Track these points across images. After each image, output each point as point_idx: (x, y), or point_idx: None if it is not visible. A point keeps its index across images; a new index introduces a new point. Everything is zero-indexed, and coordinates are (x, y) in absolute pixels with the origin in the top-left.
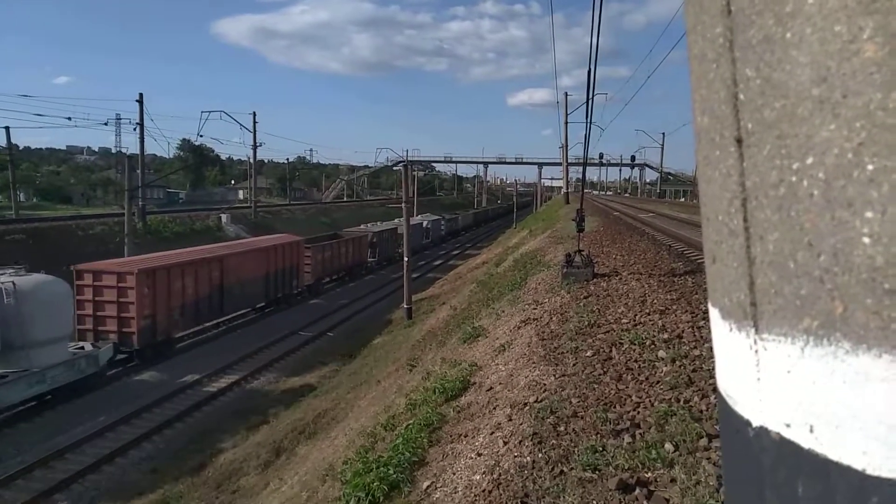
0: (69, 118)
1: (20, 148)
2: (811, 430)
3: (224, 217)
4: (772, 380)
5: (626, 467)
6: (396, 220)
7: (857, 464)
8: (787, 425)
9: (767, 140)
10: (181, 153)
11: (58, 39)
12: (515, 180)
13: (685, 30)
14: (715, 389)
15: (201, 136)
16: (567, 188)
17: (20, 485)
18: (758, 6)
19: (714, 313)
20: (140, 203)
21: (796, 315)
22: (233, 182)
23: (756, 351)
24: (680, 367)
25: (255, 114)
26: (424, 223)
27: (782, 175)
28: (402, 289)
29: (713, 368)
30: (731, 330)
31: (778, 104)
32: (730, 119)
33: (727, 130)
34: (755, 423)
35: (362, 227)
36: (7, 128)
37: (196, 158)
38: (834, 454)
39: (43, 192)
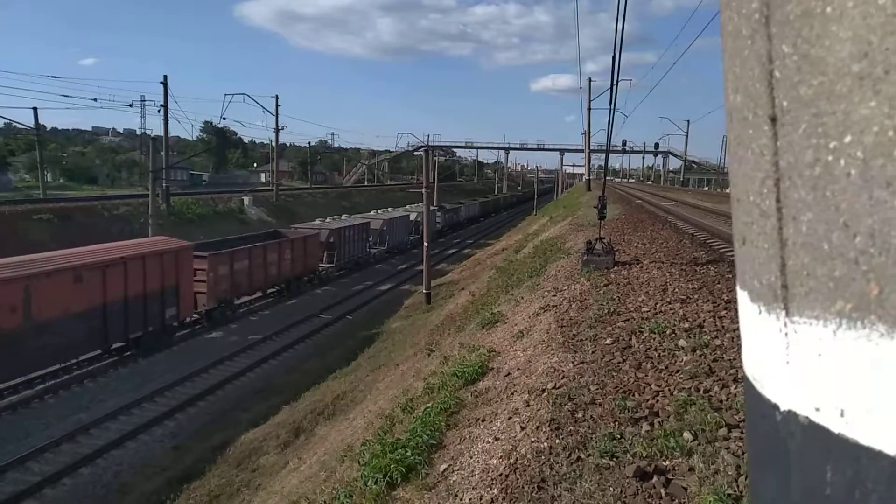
0: (95, 99)
1: (47, 128)
2: (842, 415)
3: (246, 200)
4: (802, 363)
5: (643, 455)
6: (373, 212)
7: (889, 449)
8: (817, 409)
9: (803, 118)
10: (204, 136)
11: (85, 20)
12: (537, 167)
13: (719, 6)
14: (736, 379)
15: (224, 118)
16: (589, 175)
17: None
18: None
19: (742, 296)
20: (164, 184)
21: (829, 297)
22: (255, 165)
23: (786, 334)
24: (700, 356)
25: (277, 97)
26: (412, 215)
27: (818, 154)
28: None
29: (734, 358)
30: (760, 313)
31: (815, 81)
32: (764, 97)
33: (761, 109)
34: (783, 407)
35: (318, 221)
36: (35, 108)
37: (219, 141)
38: (865, 439)
39: (69, 173)
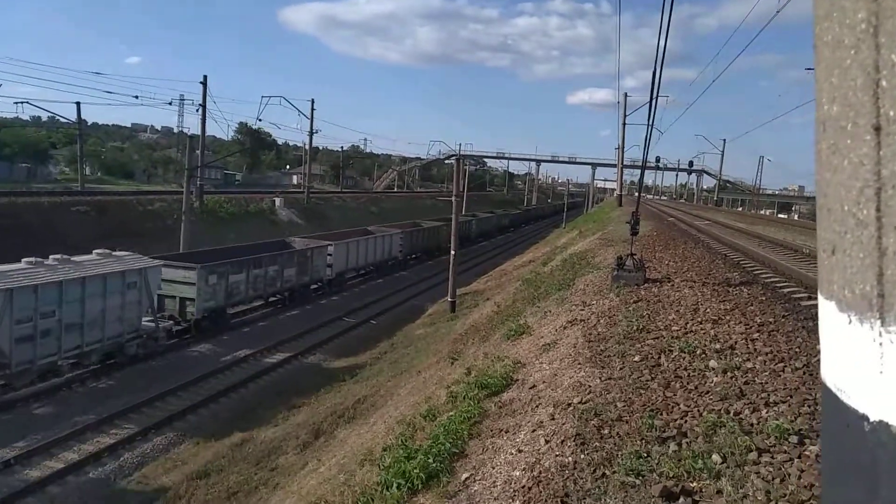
0: (136, 97)
1: (88, 123)
2: None
3: (277, 201)
4: None
5: (670, 475)
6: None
7: None
8: None
9: None
10: (239, 136)
11: (133, 22)
12: (567, 180)
13: (814, 18)
14: (768, 403)
15: (260, 120)
16: (620, 190)
17: None
18: None
19: (827, 306)
20: (198, 182)
21: None
22: (287, 167)
23: (881, 343)
24: (731, 378)
25: (313, 101)
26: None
27: None
28: None
29: (766, 382)
30: (850, 322)
31: None
32: (867, 106)
33: (862, 118)
34: (874, 417)
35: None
36: (78, 103)
37: (253, 142)
38: None
39: (107, 167)
